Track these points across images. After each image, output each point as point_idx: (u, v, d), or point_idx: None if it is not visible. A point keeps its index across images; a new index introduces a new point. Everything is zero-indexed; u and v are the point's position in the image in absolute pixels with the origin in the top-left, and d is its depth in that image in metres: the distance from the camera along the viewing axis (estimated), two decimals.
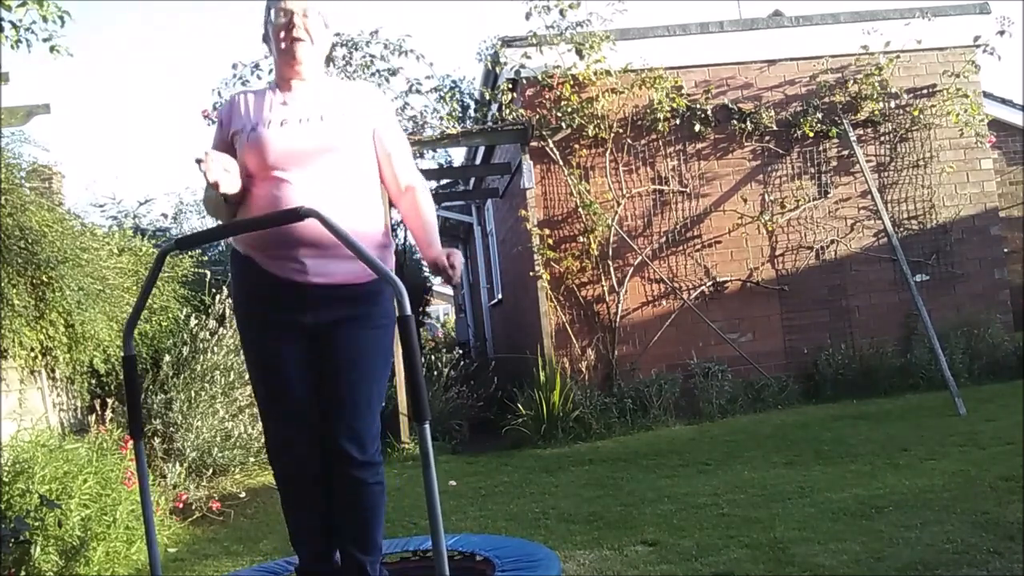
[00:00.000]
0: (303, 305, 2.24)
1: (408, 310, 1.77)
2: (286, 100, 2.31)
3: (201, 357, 5.68)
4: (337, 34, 7.65)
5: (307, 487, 2.35)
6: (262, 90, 2.40)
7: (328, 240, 2.14)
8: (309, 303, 2.23)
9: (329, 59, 5.77)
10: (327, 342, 2.25)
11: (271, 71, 2.58)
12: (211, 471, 5.41)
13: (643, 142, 7.73)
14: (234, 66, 7.94)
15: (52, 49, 4.94)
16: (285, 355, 2.28)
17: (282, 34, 2.30)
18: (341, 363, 2.25)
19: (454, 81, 8.52)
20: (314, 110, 2.28)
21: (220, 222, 2.34)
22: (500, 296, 11.15)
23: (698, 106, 7.67)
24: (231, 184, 2.16)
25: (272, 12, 2.33)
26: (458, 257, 2.22)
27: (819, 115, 7.71)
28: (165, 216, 10.14)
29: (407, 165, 2.41)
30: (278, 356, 2.28)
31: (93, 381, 5.38)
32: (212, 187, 2.13)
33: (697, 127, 7.67)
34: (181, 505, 4.83)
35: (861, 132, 7.87)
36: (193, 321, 5.83)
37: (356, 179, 2.28)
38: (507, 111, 7.68)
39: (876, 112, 7.82)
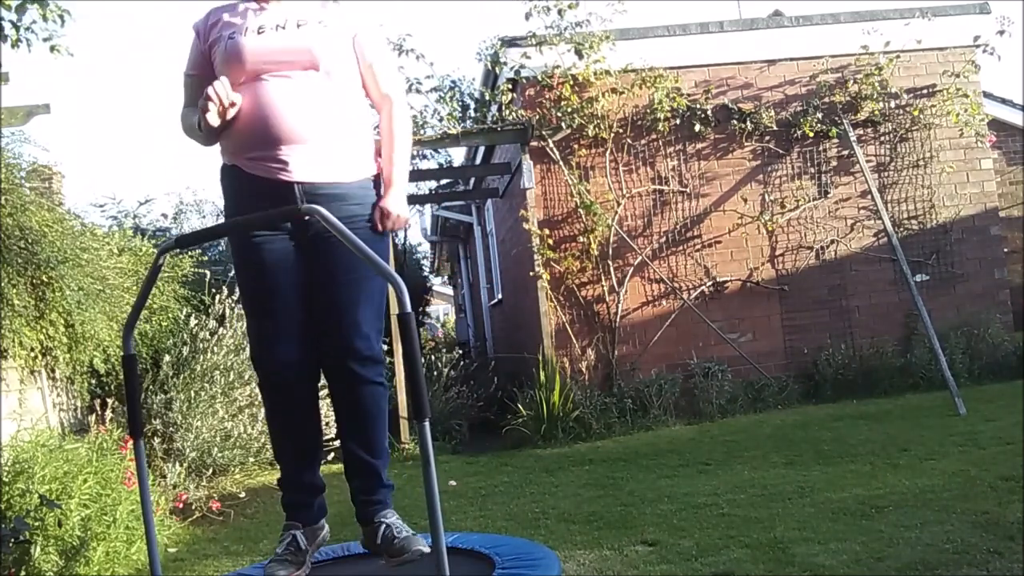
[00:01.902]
0: (289, 205, 2.20)
1: (408, 307, 1.76)
2: (263, 7, 2.28)
3: (201, 357, 5.68)
4: None
5: (289, 394, 2.31)
6: (237, 2, 2.36)
7: (310, 138, 2.18)
8: (296, 203, 2.20)
9: None
10: (318, 244, 2.21)
11: None
12: (211, 471, 5.41)
13: (643, 142, 7.73)
14: None
15: (52, 49, 4.94)
16: (271, 256, 2.24)
17: None
18: (331, 263, 2.22)
19: (454, 81, 8.51)
20: (292, 16, 2.26)
21: (196, 142, 2.34)
22: (500, 296, 11.15)
23: (698, 106, 7.67)
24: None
25: None
26: (399, 222, 2.25)
27: (819, 115, 7.71)
28: (165, 216, 10.15)
29: (387, 75, 2.38)
30: (264, 257, 2.24)
31: (93, 381, 5.38)
32: (203, 123, 2.17)
33: (697, 127, 7.67)
34: (181, 505, 4.83)
35: (861, 132, 7.87)
36: (193, 321, 5.84)
37: (336, 86, 2.26)
38: (507, 111, 7.68)
39: (876, 112, 7.82)
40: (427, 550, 2.09)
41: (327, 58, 2.24)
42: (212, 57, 2.29)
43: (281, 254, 2.25)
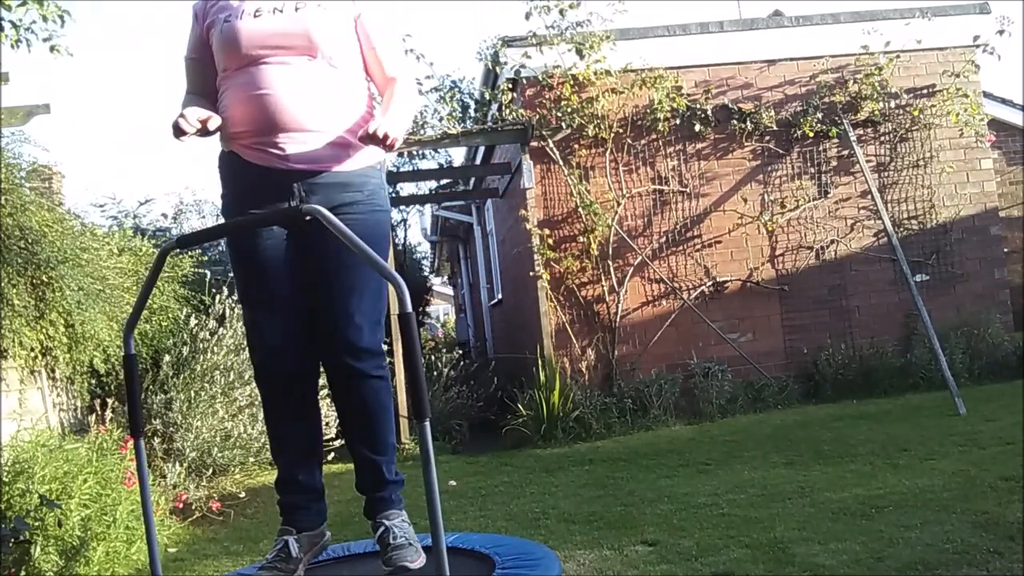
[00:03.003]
0: (286, 193, 2.17)
1: (409, 307, 1.75)
2: None
3: (201, 357, 5.68)
4: None
5: (285, 386, 2.26)
6: None
7: (308, 125, 2.14)
8: (293, 191, 2.17)
9: None
10: (312, 234, 2.14)
11: None
12: (211, 471, 5.41)
13: (643, 142, 7.73)
14: None
15: (52, 49, 4.94)
16: (267, 246, 2.21)
17: None
18: (328, 255, 2.17)
19: (454, 81, 8.53)
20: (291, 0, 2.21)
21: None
22: (500, 296, 11.15)
23: (698, 106, 7.67)
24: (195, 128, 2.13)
25: None
26: (396, 140, 2.09)
27: (819, 115, 7.71)
28: (165, 216, 10.15)
29: (392, 57, 2.32)
30: (259, 246, 2.21)
31: (93, 381, 5.38)
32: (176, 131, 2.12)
33: (697, 127, 7.67)
34: (181, 505, 4.83)
35: (861, 132, 7.87)
36: (193, 321, 5.83)
37: (335, 71, 2.21)
38: (507, 111, 7.68)
39: (876, 112, 7.82)
40: (416, 566, 2.08)
41: (326, 42, 2.19)
42: (210, 40, 2.25)
43: (275, 243, 2.21)
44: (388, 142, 2.07)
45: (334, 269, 2.18)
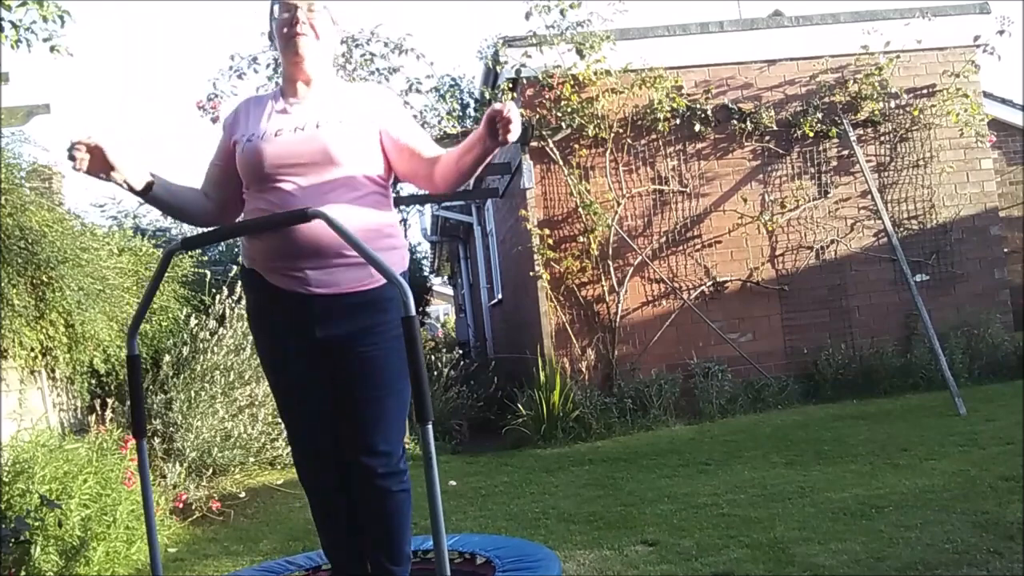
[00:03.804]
0: (309, 317, 2.20)
1: (413, 311, 1.76)
2: (286, 108, 2.26)
3: (201, 357, 5.68)
4: (344, 33, 7.62)
5: (328, 497, 2.34)
6: (267, 96, 2.35)
7: (329, 250, 2.12)
8: (315, 315, 2.19)
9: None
10: (340, 356, 2.21)
11: (269, 66, 2.53)
12: (211, 471, 5.41)
13: (643, 142, 7.73)
14: (232, 58, 7.90)
15: (52, 49, 4.93)
16: (296, 366, 2.26)
17: (285, 29, 2.23)
18: (355, 378, 2.21)
19: (454, 80, 8.50)
20: (312, 117, 2.22)
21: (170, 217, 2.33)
22: (500, 296, 11.15)
23: (698, 106, 7.67)
24: (115, 170, 2.07)
25: (276, 7, 2.28)
26: (513, 127, 1.93)
27: (819, 115, 7.71)
28: (165, 216, 10.14)
29: (428, 142, 2.31)
30: (289, 367, 2.27)
31: (93, 381, 5.38)
32: (75, 166, 2.03)
33: (697, 127, 7.67)
34: (181, 505, 4.82)
35: (861, 132, 7.88)
36: (193, 321, 5.84)
37: (357, 185, 2.21)
38: None
39: (876, 112, 7.82)
40: None
41: (347, 158, 2.19)
42: (235, 153, 2.28)
43: (303, 364, 2.26)
44: (506, 124, 1.93)
45: (359, 395, 2.23)
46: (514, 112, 1.93)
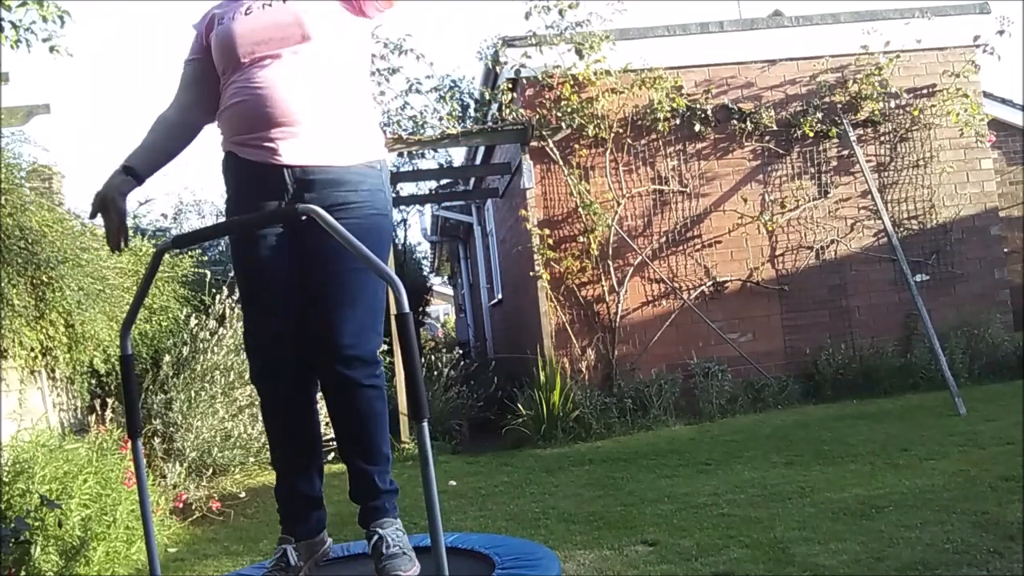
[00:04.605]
0: (281, 191, 2.15)
1: (406, 307, 1.75)
2: None
3: (201, 357, 5.68)
4: None
5: (281, 389, 2.25)
6: None
7: (299, 117, 2.12)
8: (287, 188, 2.15)
9: None
10: (311, 233, 2.11)
11: None
12: (211, 471, 5.41)
13: (643, 142, 7.73)
14: None
15: (52, 49, 4.93)
16: (264, 246, 2.20)
17: None
18: (326, 254, 2.13)
19: (454, 81, 8.52)
20: None
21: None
22: (500, 296, 11.15)
23: (698, 106, 7.67)
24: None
25: None
26: None
27: (819, 115, 7.71)
28: (165, 216, 10.17)
29: None
30: (259, 250, 2.20)
31: (93, 381, 5.38)
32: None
33: (697, 127, 7.67)
34: (181, 505, 4.83)
35: (861, 132, 7.87)
36: (193, 321, 5.83)
37: (332, 61, 2.18)
38: (507, 111, 7.68)
39: (876, 112, 7.82)
40: (410, 575, 2.07)
41: (318, 28, 2.16)
42: (210, 44, 2.26)
43: (275, 247, 2.20)
44: None
45: (330, 274, 2.15)
46: None
